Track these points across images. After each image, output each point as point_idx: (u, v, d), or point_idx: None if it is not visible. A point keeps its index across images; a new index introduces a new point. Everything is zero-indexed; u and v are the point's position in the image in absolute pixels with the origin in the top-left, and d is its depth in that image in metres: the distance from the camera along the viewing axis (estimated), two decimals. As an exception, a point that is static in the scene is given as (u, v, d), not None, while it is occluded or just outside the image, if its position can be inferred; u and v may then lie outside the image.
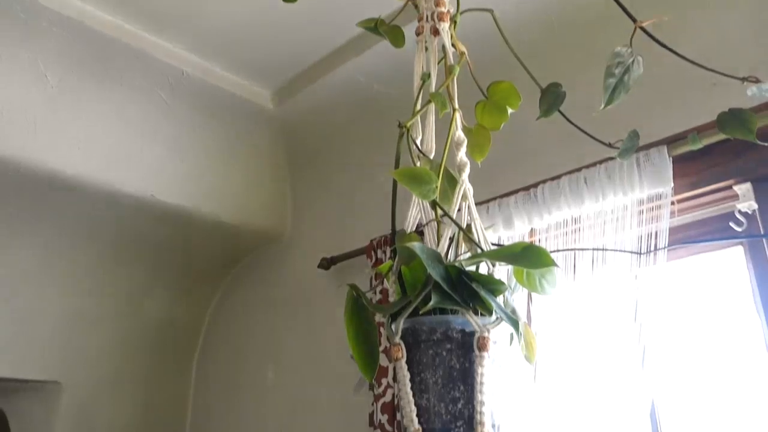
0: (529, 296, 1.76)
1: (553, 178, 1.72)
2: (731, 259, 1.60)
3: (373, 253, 2.20)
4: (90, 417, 2.71)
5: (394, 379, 1.88)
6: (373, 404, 1.94)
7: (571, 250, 1.62)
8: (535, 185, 1.75)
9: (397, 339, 0.92)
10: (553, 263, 0.90)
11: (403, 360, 0.91)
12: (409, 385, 0.89)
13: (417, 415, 0.88)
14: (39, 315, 2.59)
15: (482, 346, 0.88)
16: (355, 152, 2.57)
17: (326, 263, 2.49)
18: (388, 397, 1.86)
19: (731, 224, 1.43)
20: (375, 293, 2.00)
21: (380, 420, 1.86)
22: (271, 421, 2.57)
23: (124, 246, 2.69)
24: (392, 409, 1.83)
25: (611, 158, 1.58)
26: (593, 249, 1.57)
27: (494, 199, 1.86)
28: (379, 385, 1.91)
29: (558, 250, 1.64)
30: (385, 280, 1.10)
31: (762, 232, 1.41)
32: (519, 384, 1.63)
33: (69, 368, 2.68)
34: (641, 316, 1.49)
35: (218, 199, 2.61)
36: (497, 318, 0.90)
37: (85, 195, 2.29)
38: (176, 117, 2.44)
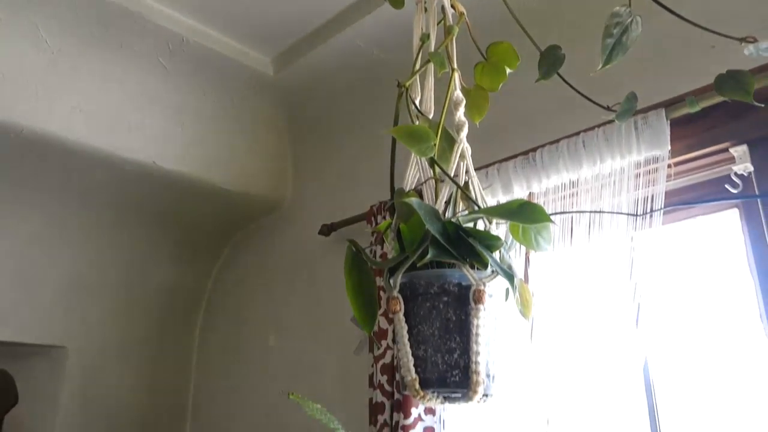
0: (527, 260, 1.78)
1: (551, 143, 1.73)
2: (727, 223, 1.62)
3: (373, 218, 2.22)
4: (95, 381, 2.77)
5: (394, 340, 1.92)
6: (372, 366, 1.97)
7: (569, 213, 1.64)
8: (534, 150, 1.76)
9: (395, 293, 0.94)
10: (548, 219, 0.92)
11: (401, 313, 0.93)
12: (406, 336, 0.92)
13: (414, 366, 0.91)
14: (44, 280, 2.63)
15: (478, 299, 0.90)
16: (355, 119, 2.57)
17: (326, 230, 2.51)
18: (387, 359, 1.90)
19: (727, 186, 1.45)
20: (374, 256, 2.03)
21: (380, 381, 1.89)
22: (272, 385, 2.62)
23: (127, 213, 2.72)
24: (392, 370, 1.87)
25: (610, 122, 1.60)
26: (590, 212, 1.59)
27: (493, 164, 1.87)
28: (379, 346, 1.95)
29: (555, 213, 1.66)
30: (384, 238, 1.12)
31: (757, 194, 1.42)
32: (516, 343, 1.67)
33: (74, 333, 2.73)
34: (636, 276, 1.52)
35: (219, 167, 2.62)
36: (493, 272, 0.92)
37: (87, 161, 2.30)
38: (176, 83, 2.44)
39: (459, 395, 0.90)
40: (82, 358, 2.74)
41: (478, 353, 0.89)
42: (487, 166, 1.88)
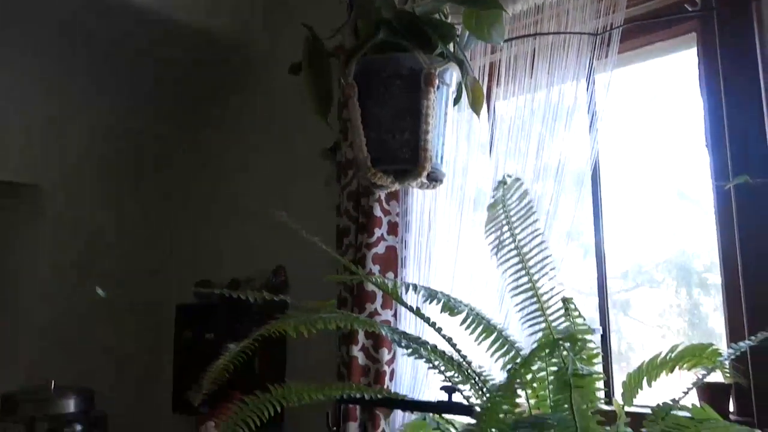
0: (492, 112, 1.82)
1: (520, -33, 1.71)
2: (683, 56, 1.67)
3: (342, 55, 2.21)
4: (71, 219, 2.83)
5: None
6: (339, 195, 2.05)
7: (531, 36, 1.66)
8: (503, -24, 1.75)
9: (350, 79, 0.99)
10: (500, 6, 0.95)
11: (355, 98, 0.98)
12: (360, 119, 0.97)
13: (366, 146, 0.97)
14: (13, 118, 2.61)
15: (429, 82, 0.94)
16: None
17: (296, 68, 2.49)
18: (353, 186, 1.97)
19: (686, 6, 1.47)
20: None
21: (346, 207, 1.98)
22: (246, 217, 2.72)
23: (94, 51, 2.66)
24: (357, 195, 1.94)
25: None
26: (552, 33, 1.61)
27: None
28: (346, 176, 2.01)
29: (519, 37, 1.67)
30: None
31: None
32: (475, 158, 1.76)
33: (47, 173, 2.76)
34: (592, 90, 1.58)
35: (187, 3, 2.55)
36: (444, 57, 0.96)
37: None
38: None
39: (408, 171, 0.97)
40: (56, 197, 2.79)
41: (427, 132, 0.95)
42: None
